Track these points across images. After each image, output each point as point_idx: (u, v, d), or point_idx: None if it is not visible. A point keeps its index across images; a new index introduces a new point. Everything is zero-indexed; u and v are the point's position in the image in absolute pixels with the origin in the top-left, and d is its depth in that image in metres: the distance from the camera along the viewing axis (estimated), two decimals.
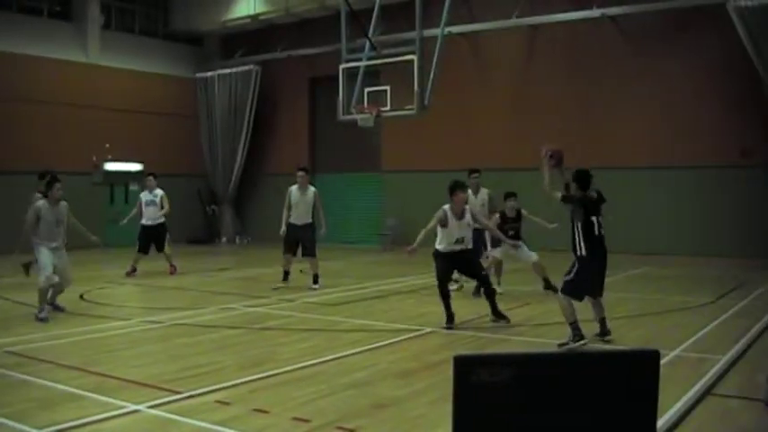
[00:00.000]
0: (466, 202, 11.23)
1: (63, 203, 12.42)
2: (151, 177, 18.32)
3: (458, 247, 10.93)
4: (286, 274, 15.47)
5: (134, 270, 17.68)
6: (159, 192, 18.11)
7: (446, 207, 11.01)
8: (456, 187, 11.02)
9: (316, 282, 15.27)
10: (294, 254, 15.42)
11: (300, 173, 15.69)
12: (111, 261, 20.04)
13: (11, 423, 6.26)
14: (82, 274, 17.63)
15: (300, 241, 15.24)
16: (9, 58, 25.23)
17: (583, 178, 9.43)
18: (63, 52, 26.96)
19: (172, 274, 17.80)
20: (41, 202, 12.03)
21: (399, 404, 6.80)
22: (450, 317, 10.85)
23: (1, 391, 7.39)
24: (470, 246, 11.18)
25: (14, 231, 13.61)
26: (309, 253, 15.30)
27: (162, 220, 18.08)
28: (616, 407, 2.98)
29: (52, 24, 27.35)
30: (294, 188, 15.53)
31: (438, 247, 11.04)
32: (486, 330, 10.56)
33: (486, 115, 24.40)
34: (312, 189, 15.64)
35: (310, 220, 15.42)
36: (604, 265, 9.50)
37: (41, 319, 11.47)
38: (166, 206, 18.03)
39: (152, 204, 18.08)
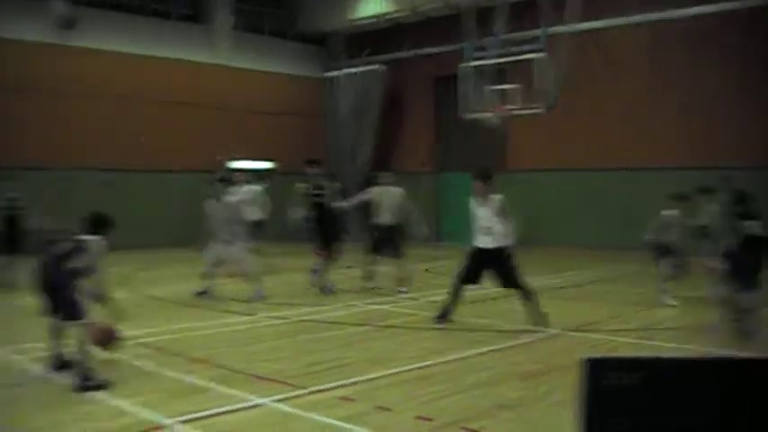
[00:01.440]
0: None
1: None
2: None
3: None
4: None
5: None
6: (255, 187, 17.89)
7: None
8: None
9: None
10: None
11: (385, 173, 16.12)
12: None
13: (141, 411, 6.52)
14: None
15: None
16: (141, 61, 26.15)
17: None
18: (193, 54, 27.77)
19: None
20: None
21: (523, 406, 6.76)
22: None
23: (134, 381, 7.69)
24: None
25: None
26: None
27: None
28: (747, 414, 2.90)
29: (182, 27, 28.22)
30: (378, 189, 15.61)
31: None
32: (613, 333, 10.36)
33: (614, 113, 23.90)
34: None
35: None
36: None
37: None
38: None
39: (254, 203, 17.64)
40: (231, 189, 16.46)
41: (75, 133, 24.56)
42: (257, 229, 17.28)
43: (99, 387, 7.29)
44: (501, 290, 14.56)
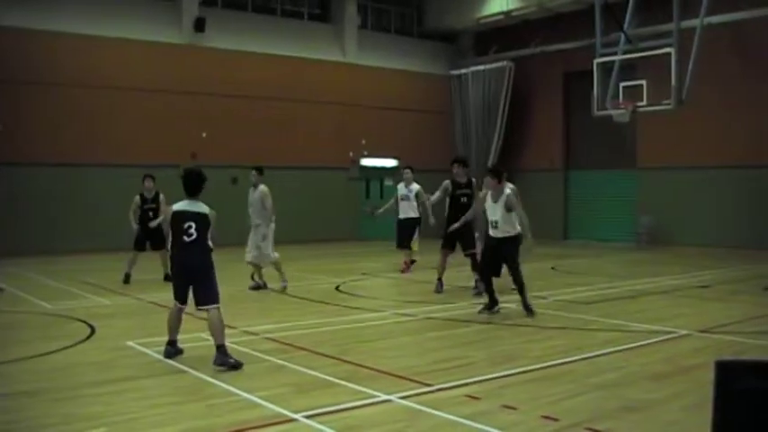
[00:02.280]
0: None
1: (258, 189, 14.42)
2: (408, 171, 17.90)
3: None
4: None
5: (412, 262, 17.69)
6: (415, 187, 17.62)
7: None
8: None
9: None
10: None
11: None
12: (366, 254, 20.69)
13: (268, 405, 6.65)
14: (338, 266, 18.40)
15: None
16: (272, 60, 26.74)
17: None
18: (322, 52, 28.28)
19: (402, 272, 17.52)
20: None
21: (651, 408, 6.61)
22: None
23: (260, 375, 7.85)
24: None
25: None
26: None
27: (413, 215, 17.57)
28: None
29: (312, 26, 28.82)
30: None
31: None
32: (745, 336, 10.02)
33: (749, 109, 23.06)
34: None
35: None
36: None
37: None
38: (424, 200, 16.73)
39: (405, 199, 17.76)
40: (399, 185, 17.89)
41: (220, 131, 25.40)
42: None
43: (236, 366, 7.98)
44: (633, 289, 14.41)
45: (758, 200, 22.68)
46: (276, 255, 14.45)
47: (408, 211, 17.67)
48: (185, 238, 8.36)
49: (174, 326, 8.65)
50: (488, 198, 11.77)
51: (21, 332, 10.60)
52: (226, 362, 8.07)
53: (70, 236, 22.49)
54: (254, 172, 14.54)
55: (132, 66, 24.25)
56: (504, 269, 12.06)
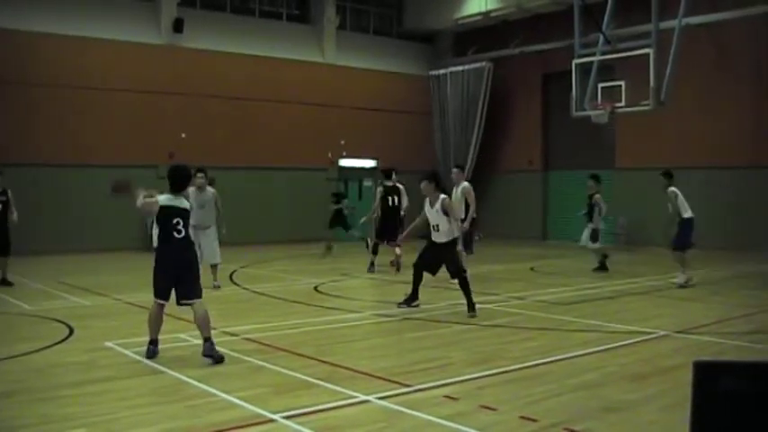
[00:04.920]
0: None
1: (209, 190, 14.64)
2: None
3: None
4: None
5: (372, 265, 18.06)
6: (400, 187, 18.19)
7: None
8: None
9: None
10: None
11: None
12: (344, 255, 20.67)
13: (247, 405, 6.63)
14: (317, 266, 18.38)
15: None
16: (251, 61, 26.72)
17: None
18: (301, 53, 28.28)
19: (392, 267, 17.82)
20: (191, 189, 12.99)
21: (630, 409, 6.63)
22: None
23: (239, 376, 7.84)
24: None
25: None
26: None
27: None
28: None
29: (291, 27, 28.83)
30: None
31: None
32: (723, 336, 10.08)
33: (728, 110, 23.20)
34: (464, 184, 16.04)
35: None
36: None
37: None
38: (405, 202, 18.02)
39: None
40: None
41: (200, 132, 25.39)
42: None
43: (219, 360, 8.24)
44: (612, 290, 14.48)
45: (736, 201, 22.81)
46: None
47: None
48: (175, 234, 8.46)
49: (157, 325, 8.66)
50: (426, 204, 12.00)
51: None
52: (214, 353, 8.25)
53: (44, 236, 22.33)
54: (201, 174, 14.45)
55: (111, 66, 24.14)
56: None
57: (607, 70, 21.94)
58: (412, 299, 12.30)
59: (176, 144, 25.01)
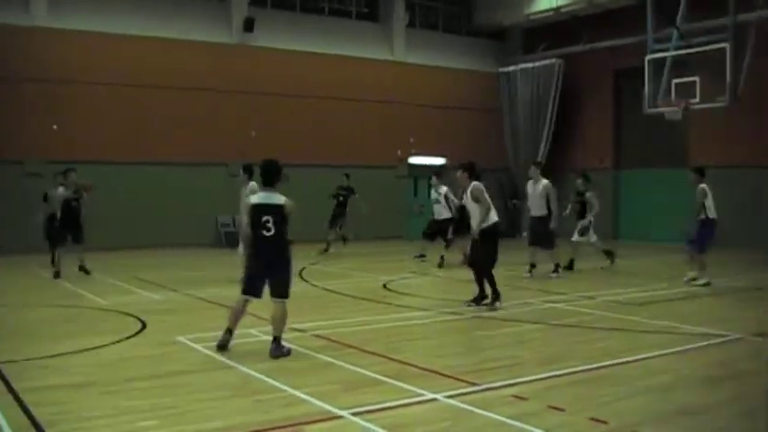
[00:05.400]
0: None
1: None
2: (433, 177, 19.43)
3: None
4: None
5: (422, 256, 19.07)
6: (443, 189, 18.78)
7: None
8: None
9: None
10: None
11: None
12: (413, 252, 20.62)
13: (315, 401, 6.66)
14: (386, 264, 18.41)
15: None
16: (321, 59, 26.88)
17: None
18: (371, 51, 28.36)
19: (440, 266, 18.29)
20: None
21: (703, 413, 6.49)
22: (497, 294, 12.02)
23: (307, 372, 7.88)
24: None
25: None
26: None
27: (445, 215, 18.68)
28: None
29: (360, 25, 28.88)
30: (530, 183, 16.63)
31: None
32: None
33: None
34: (544, 182, 16.31)
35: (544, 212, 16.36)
36: None
37: None
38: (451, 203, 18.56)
39: (436, 202, 18.96)
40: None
41: (270, 130, 25.64)
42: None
43: (286, 354, 8.47)
44: (685, 291, 14.21)
45: None
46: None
47: (442, 212, 18.84)
48: (264, 232, 8.59)
49: (236, 317, 8.84)
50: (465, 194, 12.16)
51: (74, 326, 10.80)
52: (281, 353, 8.46)
53: (124, 232, 22.78)
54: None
55: (182, 65, 24.52)
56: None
57: (681, 66, 21.51)
58: (478, 300, 12.24)
59: (247, 142, 25.29)
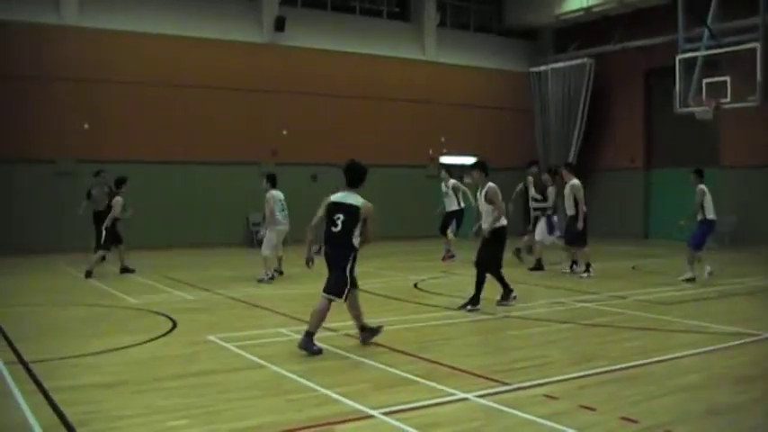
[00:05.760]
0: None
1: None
2: (443, 171, 20.25)
3: None
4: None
5: (451, 256, 19.17)
6: (451, 182, 19.73)
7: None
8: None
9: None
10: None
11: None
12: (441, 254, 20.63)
13: (346, 401, 6.70)
14: (417, 263, 18.42)
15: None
16: (352, 59, 26.95)
17: None
18: (402, 51, 28.41)
19: (443, 260, 18.97)
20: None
21: (735, 412, 6.47)
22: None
23: (338, 371, 7.93)
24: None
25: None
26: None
27: (453, 207, 19.53)
28: None
29: (391, 24, 28.94)
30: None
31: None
32: None
33: None
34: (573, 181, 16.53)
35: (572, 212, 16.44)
36: None
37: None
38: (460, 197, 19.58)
39: (445, 196, 19.70)
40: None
41: (301, 129, 25.87)
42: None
43: (316, 353, 8.53)
44: (716, 290, 14.13)
45: None
46: (266, 252, 15.85)
47: (451, 204, 19.68)
48: (332, 228, 8.82)
49: (316, 318, 8.81)
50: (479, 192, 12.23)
51: (104, 325, 10.90)
52: (309, 348, 8.52)
53: (155, 232, 22.95)
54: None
55: (213, 65, 24.67)
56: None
57: (712, 65, 21.39)
58: (507, 295, 12.36)
59: (278, 141, 25.44)
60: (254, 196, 24.26)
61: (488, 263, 12.01)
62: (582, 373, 7.71)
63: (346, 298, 8.87)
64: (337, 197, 8.92)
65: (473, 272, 12.04)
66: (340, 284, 8.78)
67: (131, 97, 23.34)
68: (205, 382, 7.44)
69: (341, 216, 8.75)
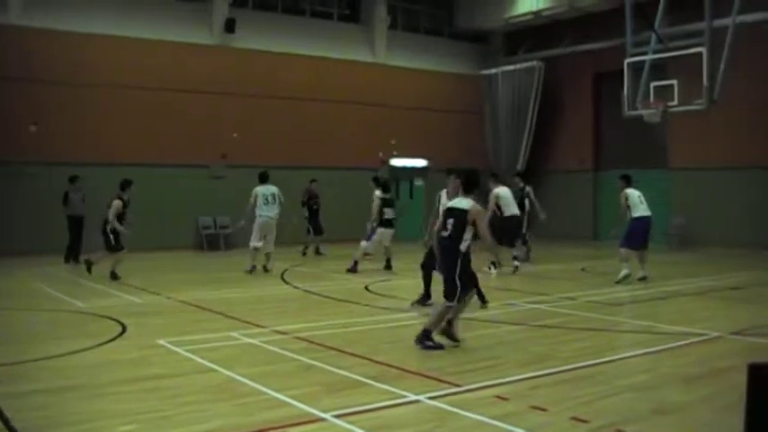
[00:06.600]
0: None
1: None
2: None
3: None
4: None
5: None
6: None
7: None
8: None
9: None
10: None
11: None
12: (396, 254, 20.66)
13: (297, 404, 6.65)
14: (367, 266, 18.39)
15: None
16: (302, 61, 26.88)
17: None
18: (352, 53, 28.39)
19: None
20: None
21: (683, 411, 6.56)
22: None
23: (289, 374, 7.87)
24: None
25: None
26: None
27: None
28: None
29: (342, 27, 28.94)
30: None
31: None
32: None
33: None
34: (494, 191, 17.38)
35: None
36: None
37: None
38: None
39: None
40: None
41: (251, 131, 25.79)
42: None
43: (437, 348, 8.95)
44: (665, 290, 14.31)
45: None
46: (252, 244, 17.30)
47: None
48: (443, 232, 9.03)
49: (460, 309, 9.24)
50: (444, 197, 11.81)
51: (53, 330, 10.72)
52: (424, 344, 8.95)
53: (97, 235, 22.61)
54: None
55: (162, 67, 24.43)
56: None
57: (659, 69, 21.66)
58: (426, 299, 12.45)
59: (228, 144, 25.27)
60: (204, 199, 24.18)
61: (428, 263, 12.07)
62: (533, 374, 7.75)
63: (459, 300, 8.98)
64: (452, 202, 9.23)
65: (421, 274, 12.11)
66: (450, 287, 8.95)
67: (77, 98, 22.94)
68: (155, 387, 7.35)
69: (451, 221, 8.97)
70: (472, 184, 9.29)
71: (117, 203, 16.23)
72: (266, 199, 17.26)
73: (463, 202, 9.05)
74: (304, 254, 21.91)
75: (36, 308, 12.53)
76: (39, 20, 22.51)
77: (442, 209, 11.88)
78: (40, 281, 15.92)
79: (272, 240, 17.52)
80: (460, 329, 9.51)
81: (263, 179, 17.63)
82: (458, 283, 8.89)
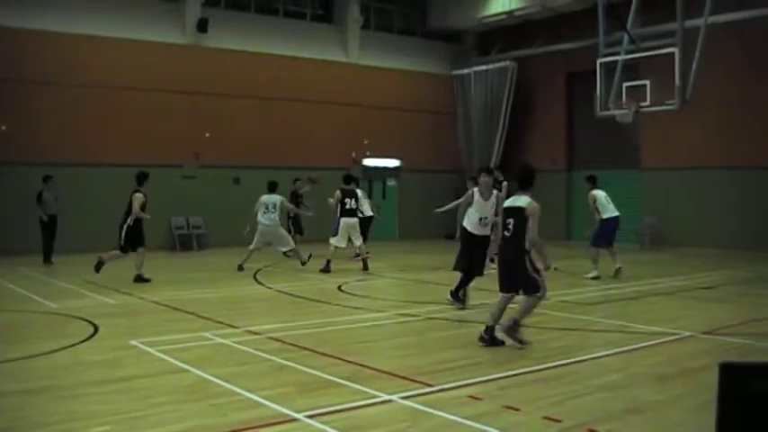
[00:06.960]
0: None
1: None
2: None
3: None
4: None
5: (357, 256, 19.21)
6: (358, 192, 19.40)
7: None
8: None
9: None
10: None
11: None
12: (372, 255, 20.67)
13: (270, 404, 6.64)
14: (341, 266, 18.39)
15: None
16: (275, 61, 26.81)
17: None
18: (325, 53, 28.38)
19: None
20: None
21: (655, 410, 6.60)
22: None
23: (262, 375, 7.85)
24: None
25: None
26: None
27: (367, 214, 20.66)
28: None
29: (315, 27, 28.93)
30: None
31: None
32: (748, 337, 9.97)
33: (753, 109, 22.99)
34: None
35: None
36: None
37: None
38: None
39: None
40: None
41: (224, 131, 25.63)
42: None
43: (521, 342, 9.03)
44: (637, 290, 14.40)
45: (763, 201, 22.64)
46: (250, 246, 18.07)
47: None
48: (505, 233, 9.02)
49: (497, 313, 9.19)
50: (477, 195, 11.85)
51: (25, 331, 10.63)
52: (512, 336, 9.03)
53: (70, 236, 22.41)
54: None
55: (135, 66, 24.27)
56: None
57: (632, 69, 21.81)
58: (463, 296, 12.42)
59: (201, 144, 25.15)
60: (177, 199, 24.02)
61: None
62: (505, 374, 7.78)
63: (542, 288, 8.99)
64: (508, 202, 9.17)
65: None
66: (527, 282, 8.95)
67: (49, 98, 22.73)
68: (128, 388, 7.30)
69: (511, 221, 8.95)
70: (528, 180, 9.23)
71: (139, 196, 16.17)
72: (266, 208, 18.04)
73: (519, 200, 9.04)
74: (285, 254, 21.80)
75: (7, 309, 12.40)
76: (6, 18, 22.27)
77: (476, 206, 11.88)
78: (10, 282, 15.77)
79: (278, 242, 18.35)
80: (435, 330, 9.51)
81: (271, 189, 18.47)
82: (535, 276, 8.91)
